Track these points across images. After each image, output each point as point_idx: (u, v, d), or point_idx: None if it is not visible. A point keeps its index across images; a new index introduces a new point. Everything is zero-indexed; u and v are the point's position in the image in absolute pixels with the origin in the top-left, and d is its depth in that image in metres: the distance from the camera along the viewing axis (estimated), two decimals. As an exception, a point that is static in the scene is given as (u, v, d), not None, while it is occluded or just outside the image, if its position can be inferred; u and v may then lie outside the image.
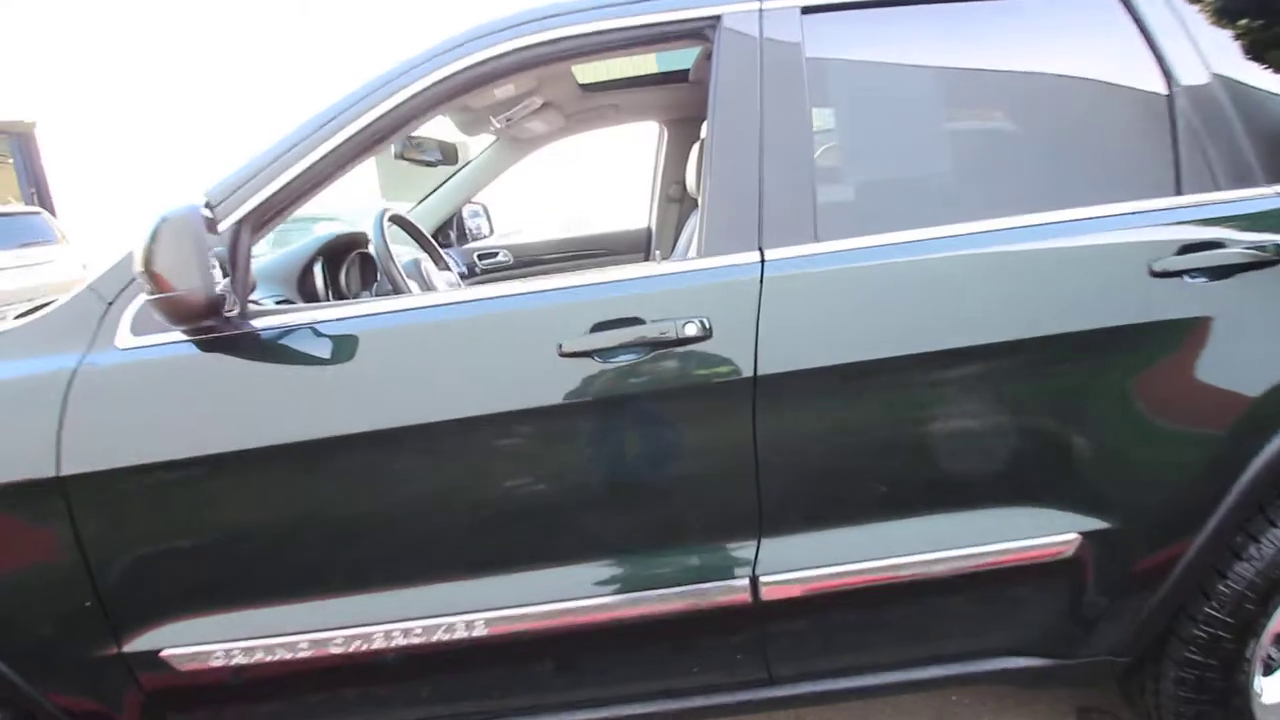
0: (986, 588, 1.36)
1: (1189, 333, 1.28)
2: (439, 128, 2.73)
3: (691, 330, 1.25)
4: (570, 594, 1.32)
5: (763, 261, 1.29)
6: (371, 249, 1.81)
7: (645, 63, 3.04)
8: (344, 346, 1.28)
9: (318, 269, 1.83)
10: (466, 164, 3.14)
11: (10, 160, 12.70)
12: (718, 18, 1.37)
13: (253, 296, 1.44)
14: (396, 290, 1.77)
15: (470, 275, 3.09)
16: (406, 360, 1.28)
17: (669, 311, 1.26)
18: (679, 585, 1.32)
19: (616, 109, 3.00)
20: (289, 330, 1.29)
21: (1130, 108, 1.40)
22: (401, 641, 1.30)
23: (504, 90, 2.28)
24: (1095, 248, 1.30)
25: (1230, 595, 1.36)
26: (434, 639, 1.30)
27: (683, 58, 2.79)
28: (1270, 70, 1.39)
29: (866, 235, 1.31)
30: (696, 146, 2.23)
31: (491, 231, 3.41)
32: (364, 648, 1.30)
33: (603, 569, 1.33)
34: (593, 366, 1.26)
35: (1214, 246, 1.29)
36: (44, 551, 1.28)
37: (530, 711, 1.42)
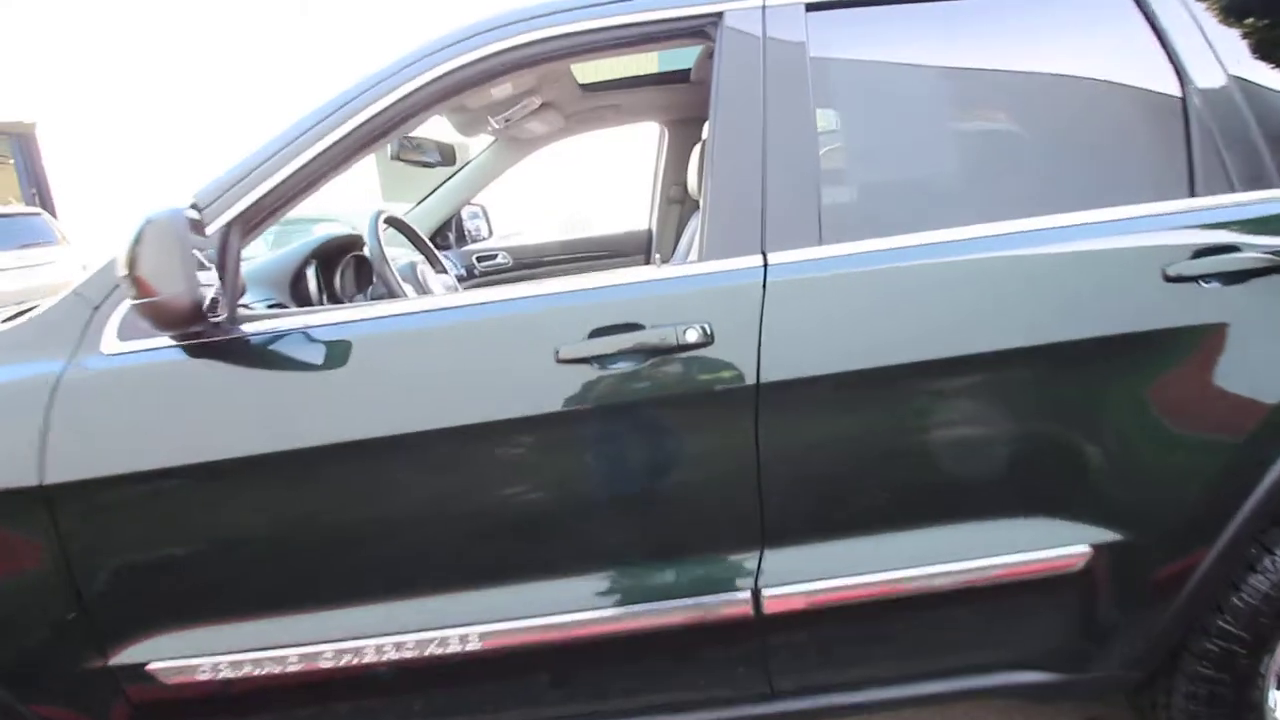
0: (994, 601, 1.32)
1: (1204, 339, 1.25)
2: (437, 129, 2.70)
3: (692, 336, 1.22)
4: (567, 606, 1.28)
5: (765, 265, 1.26)
6: (366, 252, 1.78)
7: (646, 63, 3.01)
8: (336, 352, 1.25)
9: (311, 272, 1.80)
10: (465, 165, 3.11)
11: (11, 161, 12.69)
12: (719, 15, 1.34)
13: (244, 300, 1.41)
14: (391, 294, 1.74)
15: (469, 277, 3.07)
16: (398, 367, 1.25)
17: (669, 316, 1.23)
18: (679, 598, 1.29)
19: (617, 109, 2.97)
20: (279, 335, 1.26)
21: (1143, 108, 1.38)
22: (393, 655, 1.27)
23: (501, 90, 2.25)
24: (1108, 252, 1.27)
25: (1244, 609, 1.33)
26: (426, 653, 1.27)
27: (684, 57, 2.77)
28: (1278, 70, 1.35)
29: (872, 239, 1.27)
30: (698, 148, 2.20)
31: (491, 233, 3.38)
32: (355, 661, 1.27)
33: (600, 581, 1.30)
34: (591, 373, 1.22)
35: (1229, 250, 1.25)
36: (27, 561, 1.25)
37: None
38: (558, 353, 1.22)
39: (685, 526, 1.30)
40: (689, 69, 2.80)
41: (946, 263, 1.26)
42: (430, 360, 1.26)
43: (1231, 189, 1.30)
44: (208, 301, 1.16)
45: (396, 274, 1.73)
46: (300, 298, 1.76)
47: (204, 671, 1.26)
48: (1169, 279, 1.24)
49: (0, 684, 1.27)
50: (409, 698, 1.36)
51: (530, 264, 3.25)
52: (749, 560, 1.29)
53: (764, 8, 1.35)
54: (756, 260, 1.26)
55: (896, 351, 1.24)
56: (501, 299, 1.28)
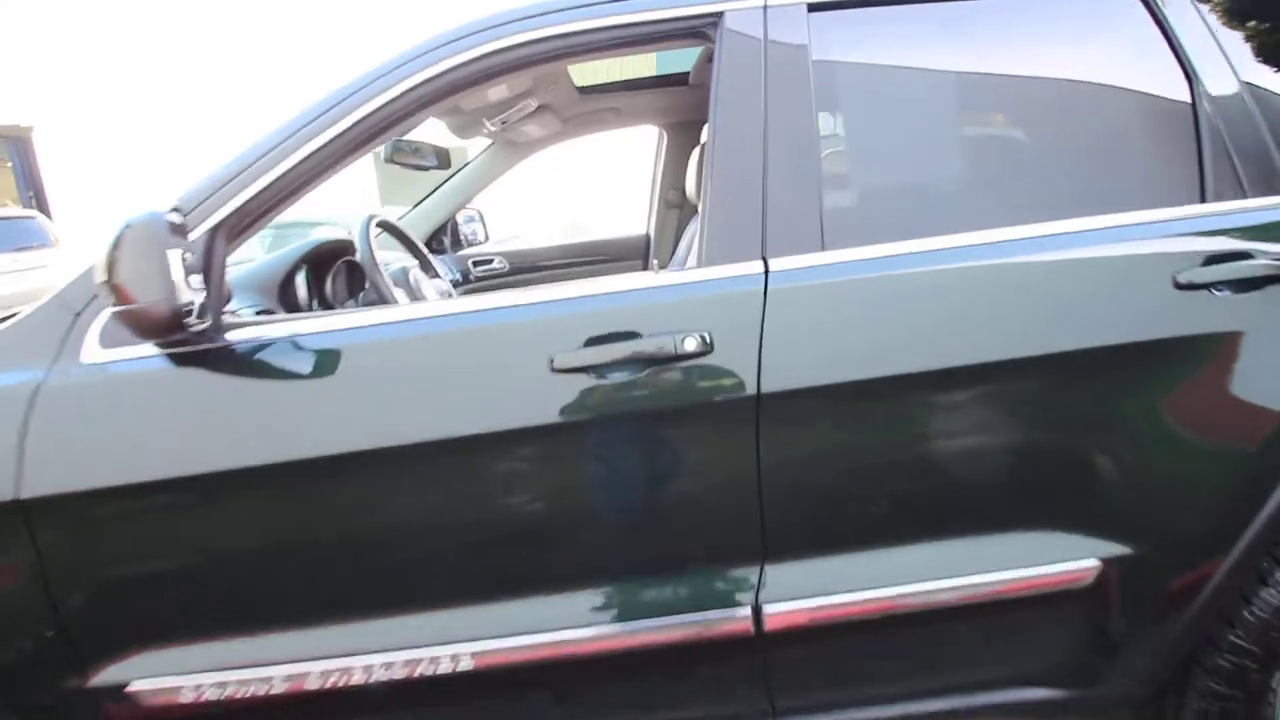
0: (1000, 616, 1.29)
1: (1216, 348, 1.22)
2: (433, 132, 2.67)
3: (691, 345, 1.18)
4: (562, 623, 1.25)
5: (766, 272, 1.22)
6: (358, 257, 1.74)
7: (644, 66, 2.99)
8: (323, 360, 1.21)
9: (300, 277, 1.76)
10: (462, 168, 3.08)
11: (8, 164, 12.65)
12: (719, 15, 1.31)
13: (230, 307, 1.37)
14: (382, 300, 1.71)
15: (465, 282, 3.03)
16: (387, 376, 1.22)
17: (667, 325, 1.20)
18: (677, 614, 1.25)
19: (615, 112, 2.94)
20: (266, 343, 1.22)
21: (1152, 112, 1.35)
22: (382, 675, 1.23)
23: (497, 92, 2.22)
24: (1117, 259, 1.24)
25: (1256, 623, 1.30)
26: (417, 672, 1.23)
27: (683, 60, 2.75)
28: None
29: (876, 245, 1.24)
30: (697, 151, 2.18)
31: (487, 238, 3.35)
32: (342, 681, 1.23)
33: (596, 597, 1.26)
34: (586, 383, 1.19)
35: (1241, 258, 1.22)
36: (2, 578, 1.21)
37: None
38: (552, 362, 1.19)
39: (684, 541, 1.27)
40: (688, 72, 2.77)
41: (952, 269, 1.23)
42: (420, 369, 1.22)
43: (1243, 195, 1.27)
44: (196, 308, 1.13)
45: (388, 279, 1.69)
46: (289, 304, 1.72)
47: (187, 692, 1.23)
48: (1180, 286, 1.21)
49: None
50: (398, 718, 1.32)
51: (527, 269, 3.22)
52: (749, 575, 1.26)
53: (765, 8, 1.31)
54: (757, 266, 1.23)
55: (901, 360, 1.21)
56: (494, 306, 1.25)
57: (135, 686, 1.23)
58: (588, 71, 2.76)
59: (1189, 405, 1.25)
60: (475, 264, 3.13)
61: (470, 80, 1.31)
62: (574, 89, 2.65)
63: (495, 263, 3.17)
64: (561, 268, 3.23)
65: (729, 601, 1.26)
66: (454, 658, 1.23)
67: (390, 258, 2.20)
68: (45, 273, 8.12)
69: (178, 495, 1.21)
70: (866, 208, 1.36)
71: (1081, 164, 1.35)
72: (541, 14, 1.30)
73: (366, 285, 1.93)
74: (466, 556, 1.26)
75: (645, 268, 3.20)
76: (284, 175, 1.24)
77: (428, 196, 3.06)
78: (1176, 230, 1.25)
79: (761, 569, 1.26)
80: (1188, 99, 1.31)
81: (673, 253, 2.77)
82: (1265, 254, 1.22)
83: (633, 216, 3.48)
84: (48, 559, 1.19)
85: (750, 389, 1.19)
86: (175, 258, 1.09)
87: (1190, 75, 1.31)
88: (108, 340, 1.21)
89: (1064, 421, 1.24)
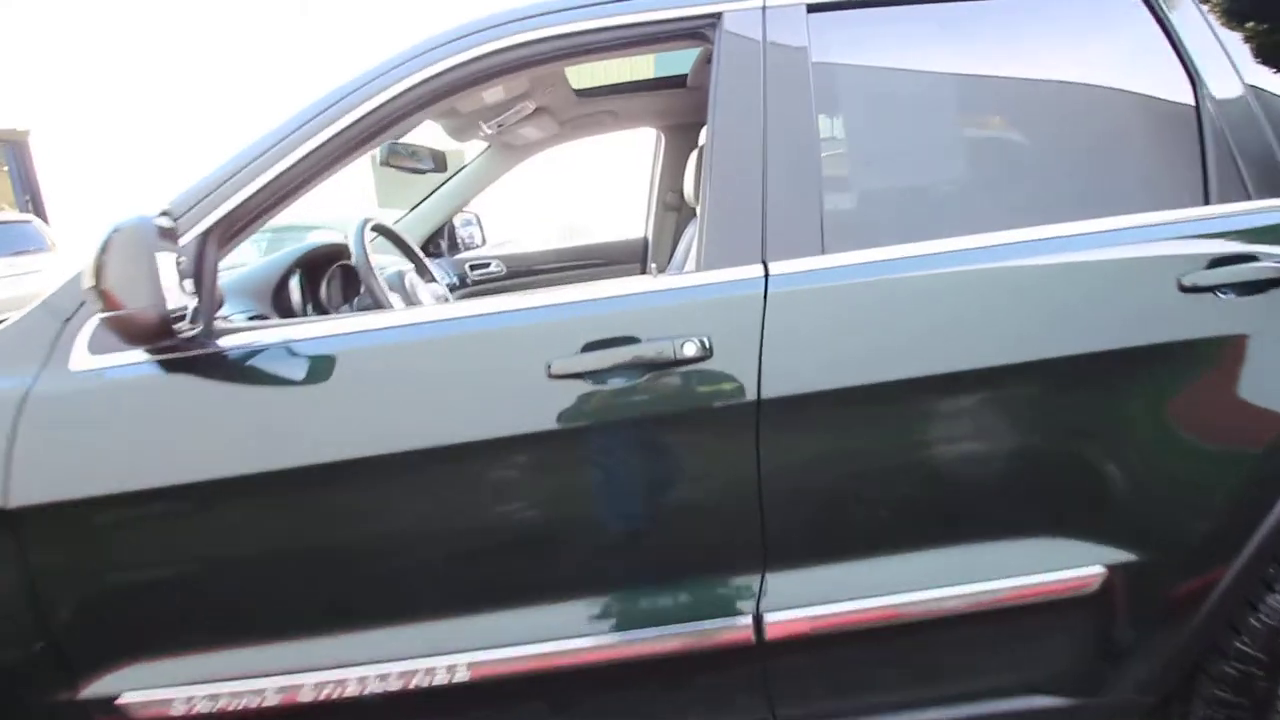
0: (1005, 624, 1.27)
1: (1221, 352, 1.21)
2: (429, 135, 2.66)
3: (690, 350, 1.17)
4: (559, 633, 1.23)
5: (766, 275, 1.21)
6: (353, 261, 1.72)
7: (642, 68, 2.97)
8: (316, 367, 1.19)
9: (294, 282, 1.74)
10: (459, 171, 3.06)
11: (4, 168, 12.62)
12: (718, 16, 1.30)
13: (223, 312, 1.36)
14: (378, 305, 1.69)
15: (462, 286, 3.01)
16: (381, 382, 1.20)
17: (666, 329, 1.18)
18: (677, 623, 1.24)
19: (613, 115, 2.92)
20: (259, 349, 1.20)
21: (1155, 114, 1.33)
22: (377, 687, 1.21)
23: (494, 94, 2.20)
24: (1121, 262, 1.22)
25: (1263, 630, 1.28)
26: (412, 684, 1.21)
27: (681, 62, 2.74)
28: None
29: (878, 248, 1.22)
30: (695, 153, 2.16)
31: (484, 241, 3.34)
32: (336, 693, 1.21)
33: (595, 606, 1.24)
34: (584, 389, 1.17)
35: (1246, 260, 1.21)
36: None
37: None
38: (549, 367, 1.17)
39: (683, 549, 1.25)
40: (685, 74, 2.75)
41: (954, 273, 1.22)
42: (415, 375, 1.20)
43: (1247, 197, 1.26)
44: (187, 313, 1.11)
45: (383, 284, 1.67)
46: (283, 309, 1.70)
47: (178, 704, 1.20)
48: (1184, 289, 1.20)
49: None
50: None
51: (524, 272, 3.21)
52: (750, 584, 1.24)
53: (764, 9, 1.30)
54: (757, 270, 1.21)
55: (903, 365, 1.19)
56: (490, 311, 1.23)
57: (126, 699, 1.20)
58: (584, 74, 2.74)
59: (1194, 409, 1.23)
60: (472, 268, 3.11)
61: (467, 81, 1.29)
62: (571, 91, 2.64)
63: (492, 266, 3.16)
64: (559, 271, 3.22)
65: (729, 610, 1.24)
66: (450, 668, 1.21)
67: (386, 262, 2.18)
68: (41, 277, 8.09)
69: (168, 504, 1.19)
70: (868, 211, 1.34)
71: (1084, 166, 1.33)
72: (539, 15, 1.28)
73: (362, 290, 1.91)
74: (463, 565, 1.24)
75: (643, 271, 3.19)
76: (277, 179, 1.23)
77: (424, 200, 3.05)
78: (1181, 233, 1.24)
79: (762, 577, 1.24)
80: (1191, 100, 1.30)
81: (671, 256, 2.76)
82: (1270, 256, 1.20)
83: (630, 220, 3.46)
84: (36, 569, 1.17)
85: (750, 394, 1.17)
86: (165, 262, 1.07)
87: (1194, 77, 1.30)
88: (97, 346, 1.19)
89: (1068, 427, 1.23)
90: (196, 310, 1.16)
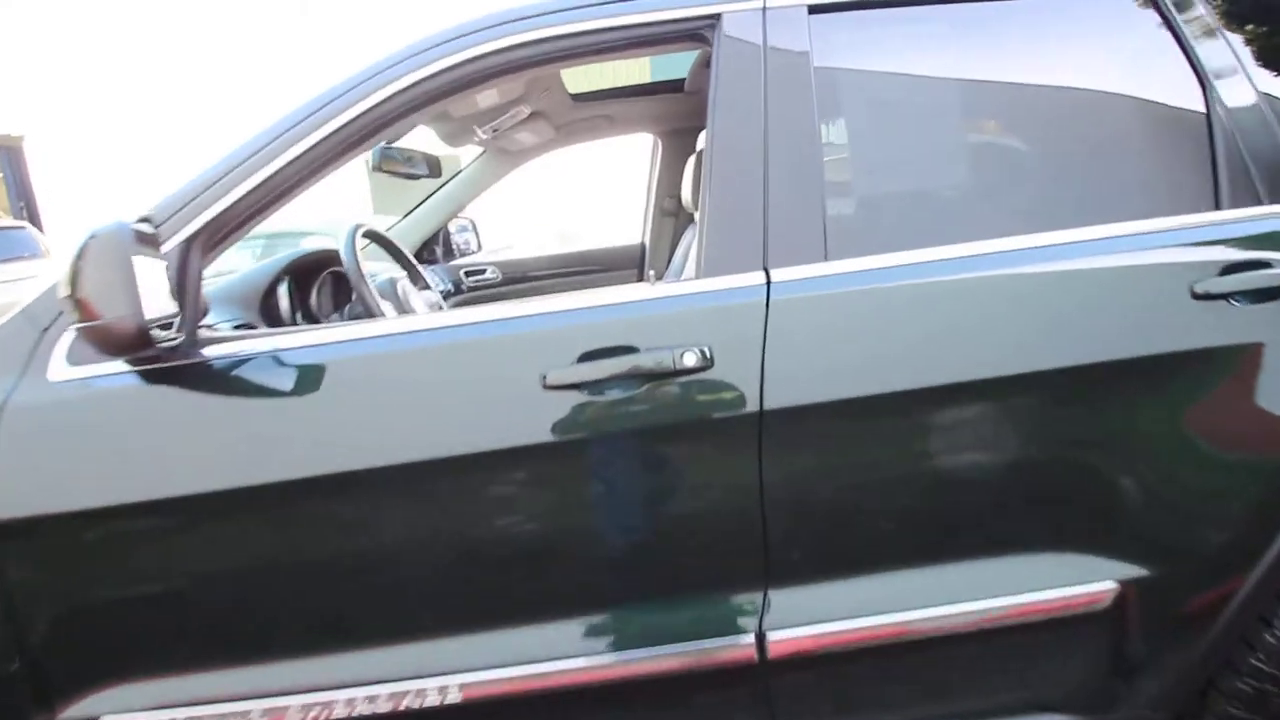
0: (1014, 641, 1.24)
1: (1237, 361, 1.18)
2: (424, 140, 2.62)
3: (690, 360, 1.13)
4: (555, 653, 1.19)
5: (768, 283, 1.17)
6: (344, 268, 1.68)
7: (638, 74, 2.95)
8: (304, 377, 1.15)
9: (283, 289, 1.70)
10: (454, 176, 3.03)
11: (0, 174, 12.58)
12: (716, 17, 1.26)
13: (208, 321, 1.32)
14: (369, 313, 1.65)
15: (457, 292, 2.98)
16: (371, 393, 1.16)
17: (665, 339, 1.15)
18: (676, 642, 1.20)
19: (609, 120, 2.89)
20: (244, 359, 1.17)
21: (1165, 118, 1.31)
22: (366, 709, 1.17)
23: (488, 98, 2.17)
24: (1133, 269, 1.19)
25: (1278, 646, 1.25)
26: (402, 705, 1.17)
27: (678, 67, 2.70)
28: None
29: (882, 254, 1.19)
30: (693, 159, 2.13)
31: (480, 247, 3.30)
32: (324, 715, 1.17)
33: (591, 625, 1.21)
34: (580, 400, 1.13)
35: (1260, 267, 1.18)
36: None
37: None
38: (545, 378, 1.13)
39: (683, 565, 1.22)
40: (683, 79, 2.73)
41: (961, 280, 1.19)
42: (405, 386, 1.17)
43: (1259, 201, 1.23)
44: (170, 322, 1.07)
45: (375, 291, 1.64)
46: (271, 317, 1.66)
47: None
48: (1197, 297, 1.17)
49: None
50: None
51: (520, 278, 3.17)
52: (752, 601, 1.21)
53: (764, 10, 1.27)
54: (759, 277, 1.18)
55: (909, 375, 1.16)
56: (484, 319, 1.19)
57: None
58: (580, 78, 2.71)
59: (1210, 419, 1.21)
60: (468, 274, 3.07)
61: (460, 84, 1.26)
62: (567, 95, 2.61)
63: (488, 273, 3.12)
64: (555, 277, 3.18)
65: (731, 628, 1.21)
66: (441, 689, 1.18)
67: (378, 268, 2.15)
68: (35, 284, 8.04)
69: (150, 519, 1.15)
70: (873, 216, 1.31)
71: (1093, 171, 1.30)
72: (533, 16, 1.25)
73: (354, 297, 1.87)
74: (454, 583, 1.20)
75: (640, 277, 3.16)
76: (264, 183, 1.19)
77: (419, 205, 3.01)
78: (1192, 239, 1.22)
79: (765, 594, 1.21)
80: (1201, 104, 1.27)
81: (669, 263, 2.73)
82: None
83: (628, 226, 3.43)
84: (12, 585, 1.13)
85: (752, 405, 1.14)
86: (147, 269, 1.04)
87: (1203, 80, 1.27)
88: (75, 357, 1.15)
89: (1080, 438, 1.20)
90: (179, 319, 1.12)
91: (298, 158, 1.19)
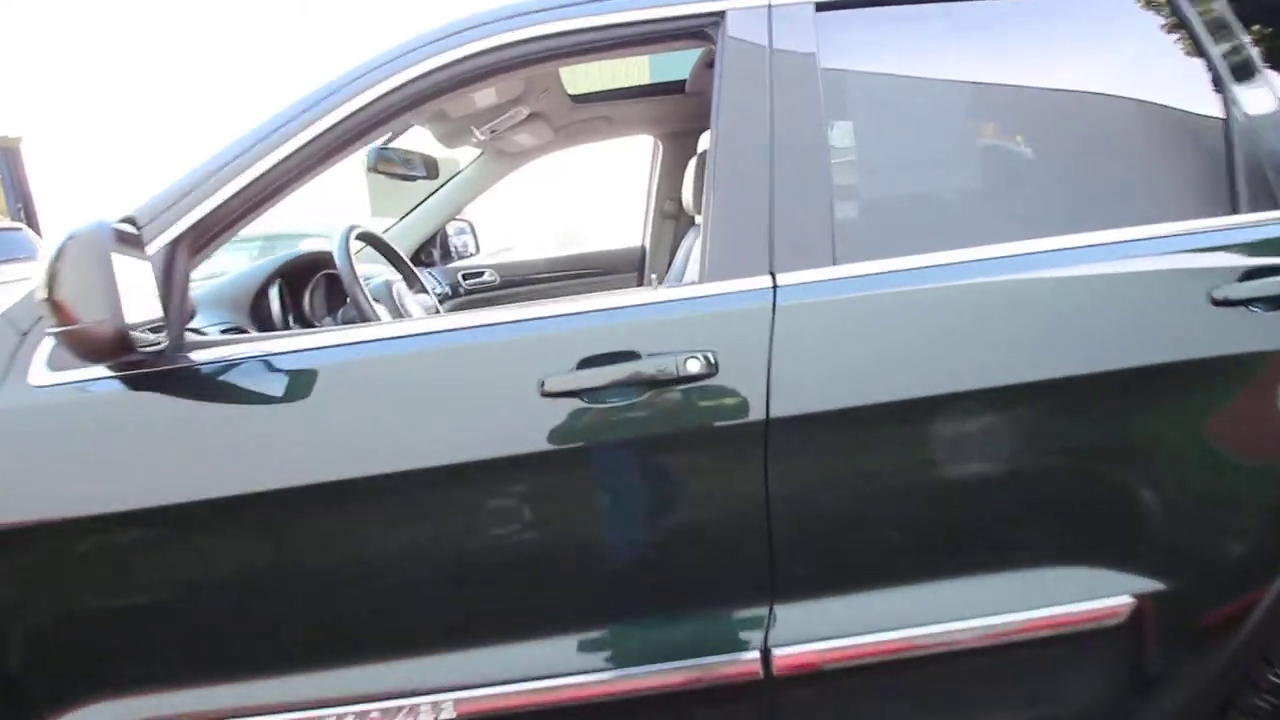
0: (1028, 657, 1.21)
1: (1257, 369, 1.15)
2: (420, 140, 2.59)
3: (694, 366, 1.09)
4: (552, 669, 1.15)
5: (775, 287, 1.13)
6: (337, 270, 1.64)
7: (639, 75, 2.91)
8: (294, 383, 1.11)
9: (274, 292, 1.66)
10: (452, 178, 2.99)
11: (-4, 176, 12.54)
12: (721, 15, 1.23)
13: (195, 324, 1.28)
14: (363, 316, 1.61)
15: (455, 295, 2.94)
16: (363, 400, 1.12)
17: (668, 344, 1.11)
18: (679, 658, 1.16)
19: (609, 121, 2.86)
20: (232, 364, 1.13)
21: (1182, 119, 1.28)
22: None
23: (485, 98, 2.13)
24: (1151, 274, 1.16)
25: (1297, 662, 1.21)
26: None
27: (678, 68, 2.67)
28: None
29: (892, 258, 1.15)
30: (694, 161, 2.10)
31: (478, 250, 3.26)
32: (312, 735, 1.13)
33: (590, 640, 1.17)
34: (579, 408, 1.10)
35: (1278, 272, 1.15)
36: None
37: None
38: (543, 385, 1.09)
39: (686, 579, 1.18)
40: (683, 80, 2.69)
41: (972, 285, 1.15)
42: (398, 392, 1.13)
43: (1276, 206, 1.20)
44: (157, 326, 1.03)
45: (369, 294, 1.60)
46: (262, 321, 1.62)
47: None
48: (1217, 303, 1.13)
49: None
50: None
51: (518, 282, 3.13)
52: (757, 615, 1.17)
53: (769, 7, 1.23)
54: (765, 281, 1.14)
55: (918, 383, 1.12)
56: (481, 324, 1.15)
57: None
58: (580, 79, 2.68)
59: (1229, 428, 1.18)
60: (465, 277, 3.04)
61: (456, 82, 1.22)
62: (566, 96, 2.57)
63: (486, 276, 3.08)
64: (554, 280, 3.14)
65: (735, 643, 1.17)
66: (435, 706, 1.14)
67: (373, 271, 2.11)
68: (32, 286, 8.00)
69: (132, 531, 1.11)
70: (882, 219, 1.27)
71: (1108, 174, 1.27)
72: (530, 12, 1.21)
73: (347, 301, 1.83)
74: (449, 596, 1.17)
75: (640, 281, 3.13)
76: (253, 183, 1.15)
77: (416, 207, 2.97)
78: (1209, 244, 1.18)
79: (770, 608, 1.17)
80: (1219, 105, 1.24)
81: (669, 266, 2.69)
82: None
83: (628, 228, 3.40)
84: None
85: (758, 414, 1.10)
86: (131, 270, 1.00)
87: (1221, 81, 1.24)
88: (56, 362, 1.11)
89: (1097, 447, 1.17)
90: (164, 322, 1.08)
91: (288, 157, 1.15)
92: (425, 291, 2.13)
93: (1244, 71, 1.24)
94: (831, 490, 1.16)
